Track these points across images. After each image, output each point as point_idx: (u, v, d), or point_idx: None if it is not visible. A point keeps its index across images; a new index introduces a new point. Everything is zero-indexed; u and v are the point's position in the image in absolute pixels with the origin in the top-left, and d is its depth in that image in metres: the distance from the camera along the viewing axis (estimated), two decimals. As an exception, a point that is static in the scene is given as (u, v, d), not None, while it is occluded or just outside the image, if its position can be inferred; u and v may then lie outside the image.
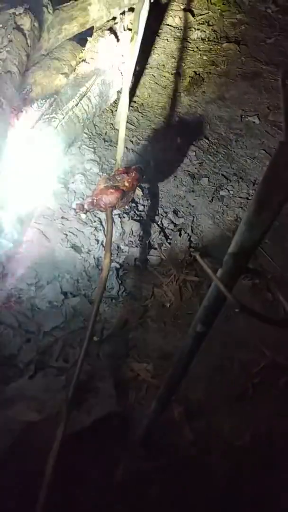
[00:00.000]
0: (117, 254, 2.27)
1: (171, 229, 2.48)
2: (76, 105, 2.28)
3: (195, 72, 3.50)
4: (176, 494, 1.62)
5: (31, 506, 1.36)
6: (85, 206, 1.91)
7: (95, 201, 1.86)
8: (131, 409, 1.81)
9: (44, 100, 2.27)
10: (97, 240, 2.24)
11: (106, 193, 1.83)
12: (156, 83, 3.37)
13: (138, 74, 3.31)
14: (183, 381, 1.73)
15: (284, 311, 1.02)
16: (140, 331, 2.06)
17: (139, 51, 2.73)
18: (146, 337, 2.05)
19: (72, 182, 2.43)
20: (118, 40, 2.59)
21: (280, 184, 0.88)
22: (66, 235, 2.22)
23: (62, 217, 2.27)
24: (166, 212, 2.57)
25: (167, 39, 3.71)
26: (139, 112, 3.12)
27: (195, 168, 2.85)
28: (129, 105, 3.09)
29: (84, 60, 2.46)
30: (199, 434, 1.78)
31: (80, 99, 2.31)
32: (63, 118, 2.18)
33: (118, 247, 2.29)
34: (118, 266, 2.21)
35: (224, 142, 3.07)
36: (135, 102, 3.18)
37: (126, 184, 1.87)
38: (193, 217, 2.59)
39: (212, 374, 1.97)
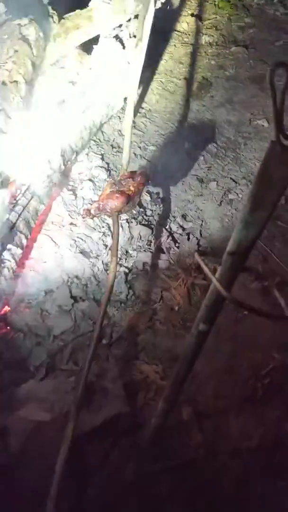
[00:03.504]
0: (126, 258, 2.30)
1: (180, 233, 2.50)
2: (83, 113, 2.33)
3: (203, 77, 3.53)
4: (184, 495, 1.63)
5: (42, 502, 1.40)
6: (92, 211, 1.95)
7: (101, 206, 1.90)
8: (140, 410, 1.83)
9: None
10: (105, 245, 2.28)
11: (112, 198, 1.87)
12: (164, 88, 3.41)
13: (145, 80, 3.35)
14: (191, 382, 1.74)
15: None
16: (149, 334, 2.08)
17: (146, 57, 2.77)
18: (155, 340, 2.07)
19: (81, 189, 2.48)
20: (123, 47, 2.63)
21: (272, 183, 0.90)
22: (75, 240, 2.26)
23: (71, 223, 2.32)
24: (174, 217, 2.59)
25: (174, 45, 3.75)
26: (147, 118, 3.15)
27: (204, 172, 2.87)
28: (137, 111, 3.14)
29: (90, 68, 2.51)
30: (207, 435, 1.79)
31: (87, 108, 2.36)
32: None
33: (126, 251, 2.32)
34: (126, 270, 2.24)
35: (232, 145, 3.08)
36: (143, 108, 3.23)
37: (132, 188, 1.90)
38: (202, 221, 2.60)
39: (221, 376, 1.97)
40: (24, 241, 1.93)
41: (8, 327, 1.89)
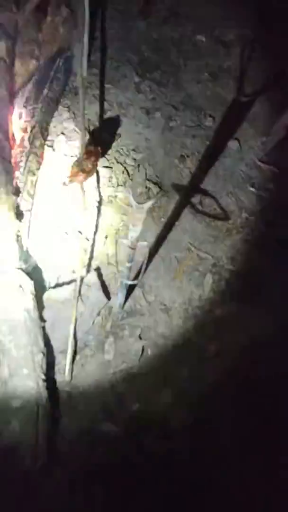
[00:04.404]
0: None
1: (132, 165, 3.50)
2: (49, 90, 3.09)
3: (150, -14, 3.82)
4: (137, 332, 3.18)
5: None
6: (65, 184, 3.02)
7: (71, 181, 2.94)
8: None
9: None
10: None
11: (77, 176, 2.89)
12: (113, 8, 3.79)
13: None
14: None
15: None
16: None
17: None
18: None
19: (57, 143, 3.40)
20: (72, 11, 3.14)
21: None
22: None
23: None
24: (128, 150, 3.53)
25: None
26: (100, 51, 3.71)
27: (150, 103, 3.62)
28: (92, 45, 3.69)
29: (44, 41, 3.11)
30: (149, 302, 3.25)
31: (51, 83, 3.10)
32: (41, 107, 3.06)
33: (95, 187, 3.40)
34: (97, 204, 3.37)
35: (174, 69, 3.70)
36: (95, 38, 3.73)
37: (90, 166, 2.88)
38: (150, 150, 3.54)
39: (157, 268, 3.31)
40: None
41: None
